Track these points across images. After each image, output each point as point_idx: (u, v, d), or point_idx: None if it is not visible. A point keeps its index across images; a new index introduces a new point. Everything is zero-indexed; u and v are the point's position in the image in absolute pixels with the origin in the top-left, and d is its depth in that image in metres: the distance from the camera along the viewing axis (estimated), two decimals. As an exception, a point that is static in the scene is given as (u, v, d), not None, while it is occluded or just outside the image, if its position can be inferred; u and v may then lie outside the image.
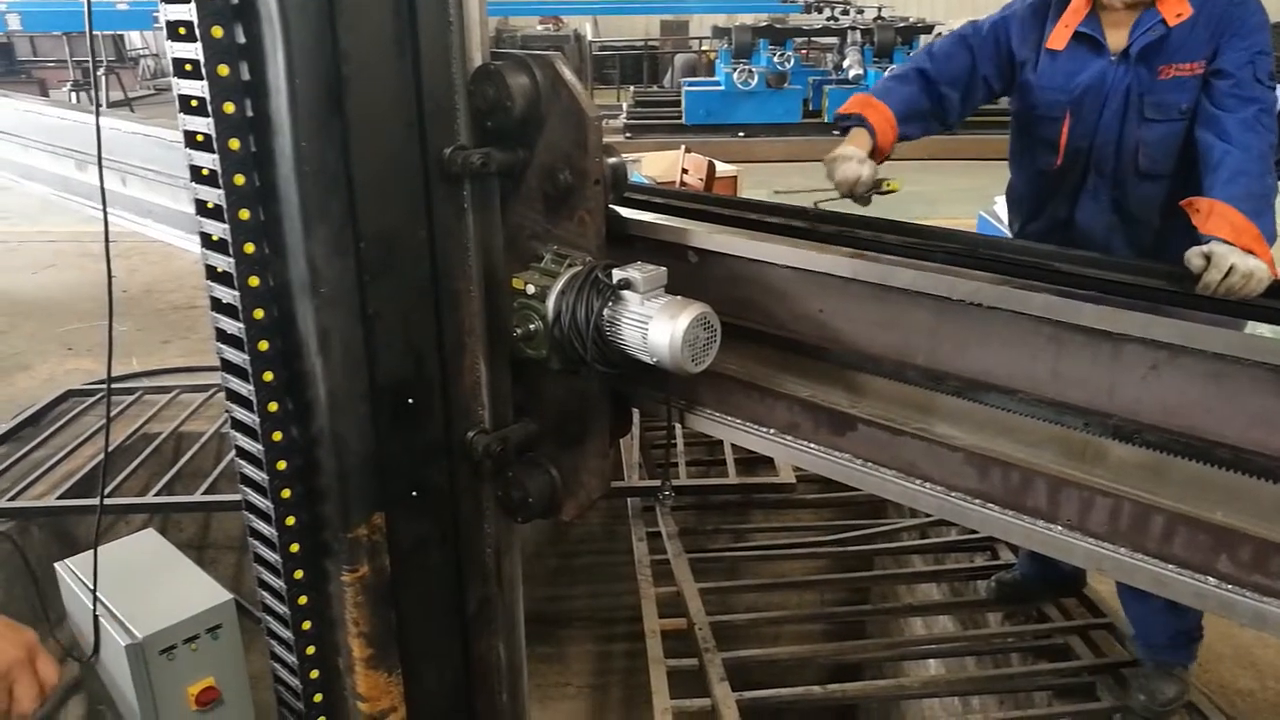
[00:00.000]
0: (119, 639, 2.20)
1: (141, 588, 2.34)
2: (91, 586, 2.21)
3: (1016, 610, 3.00)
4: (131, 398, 4.09)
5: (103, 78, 13.34)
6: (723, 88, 12.51)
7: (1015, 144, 2.67)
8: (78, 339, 5.02)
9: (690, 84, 13.55)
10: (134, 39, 17.49)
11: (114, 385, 4.12)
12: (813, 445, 1.68)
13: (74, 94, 13.32)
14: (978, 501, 1.49)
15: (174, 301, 5.57)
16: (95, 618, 2.23)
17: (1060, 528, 1.41)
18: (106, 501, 2.23)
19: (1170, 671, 2.68)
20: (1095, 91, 2.39)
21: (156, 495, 3.32)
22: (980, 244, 1.70)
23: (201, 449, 3.76)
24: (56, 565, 2.45)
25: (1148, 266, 1.65)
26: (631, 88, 15.66)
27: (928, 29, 13.26)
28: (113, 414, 3.86)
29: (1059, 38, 2.41)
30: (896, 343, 1.55)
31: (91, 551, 2.35)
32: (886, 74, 2.57)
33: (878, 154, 2.43)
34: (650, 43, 18.34)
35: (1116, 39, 2.37)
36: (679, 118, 12.61)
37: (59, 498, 3.25)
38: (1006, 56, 2.51)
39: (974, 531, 3.68)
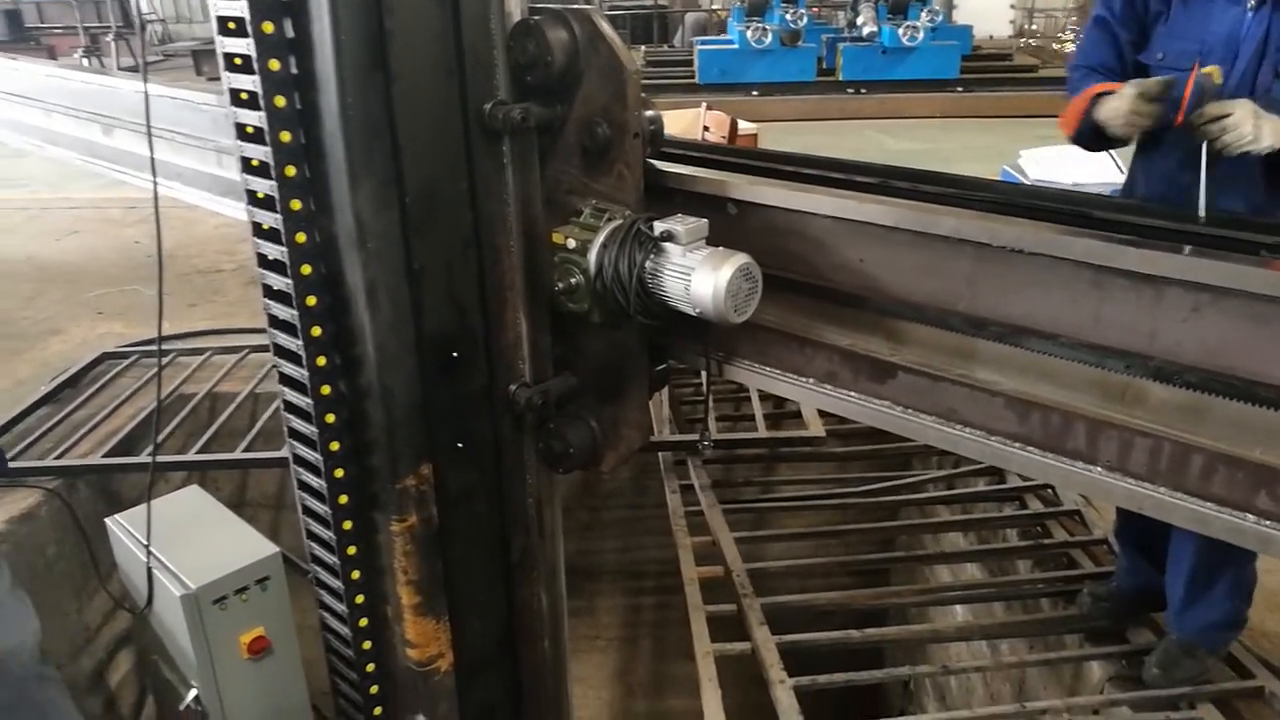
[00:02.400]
0: (173, 589, 2.27)
1: (192, 541, 2.41)
2: (144, 540, 2.28)
3: (1107, 631, 2.89)
4: (165, 360, 4.16)
5: (112, 43, 13.31)
6: (736, 46, 12.40)
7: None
8: (106, 303, 5.10)
9: (703, 43, 13.43)
10: (141, 3, 17.41)
11: (147, 348, 4.19)
12: (853, 393, 1.71)
13: (85, 60, 13.29)
14: (1018, 445, 1.52)
15: (198, 266, 5.62)
16: (149, 570, 2.30)
17: (1100, 469, 1.45)
18: (153, 460, 2.29)
19: (1193, 652, 2.67)
20: (1229, 42, 2.25)
21: (197, 454, 3.40)
22: (1018, 193, 1.72)
23: (238, 408, 3.85)
24: (107, 520, 2.52)
25: (1187, 214, 1.66)
26: (642, 48, 15.53)
27: (944, -16, 13.11)
28: (148, 376, 3.93)
29: None
30: (937, 290, 1.57)
31: (140, 507, 2.43)
32: (1067, 84, 2.43)
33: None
34: (660, 2, 18.13)
35: None
36: (692, 77, 12.51)
37: (104, 456, 3.33)
38: (1141, 12, 2.40)
39: (1001, 481, 3.77)
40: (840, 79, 12.44)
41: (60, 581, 3.14)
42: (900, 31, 11.99)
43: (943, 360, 1.58)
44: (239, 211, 3.23)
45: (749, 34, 12.16)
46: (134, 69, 12.74)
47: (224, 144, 3.01)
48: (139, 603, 2.44)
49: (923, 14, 12.21)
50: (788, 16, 12.34)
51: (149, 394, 3.77)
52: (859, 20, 12.47)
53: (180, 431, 3.62)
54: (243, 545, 2.41)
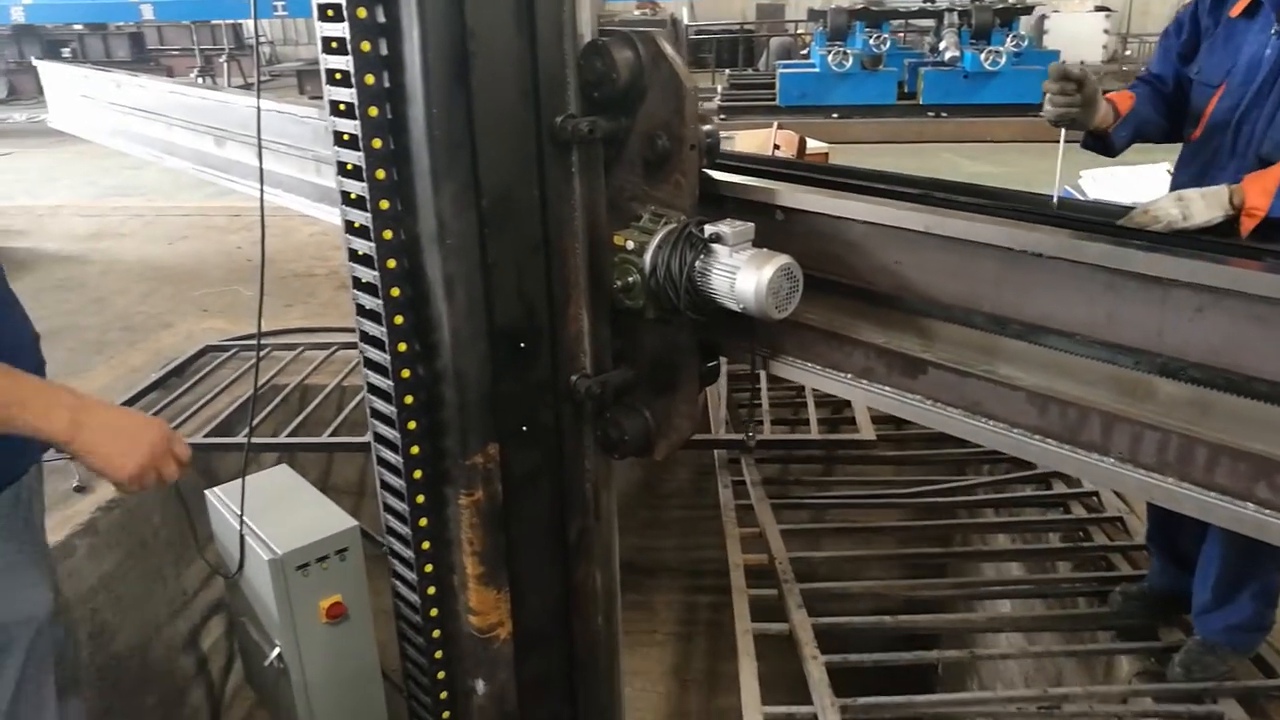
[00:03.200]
0: (263, 555, 2.49)
1: (280, 514, 2.63)
2: (239, 511, 2.50)
3: (1139, 630, 2.98)
4: (261, 354, 4.47)
5: (224, 64, 14.09)
6: (817, 69, 12.51)
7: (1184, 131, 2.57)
8: (210, 302, 5.49)
9: (785, 66, 13.57)
10: (250, 27, 18.33)
11: (245, 342, 4.52)
12: (887, 388, 1.83)
13: (200, 79, 14.11)
14: (1037, 437, 1.63)
15: (295, 270, 5.98)
16: (241, 537, 2.52)
17: (1113, 460, 1.54)
18: (248, 440, 2.52)
19: (1216, 651, 2.71)
20: (1251, 65, 2.31)
21: (288, 437, 3.67)
22: (1046, 204, 1.82)
23: (325, 399, 4.13)
24: (206, 492, 2.77)
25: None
26: (727, 71, 15.73)
27: (1027, 10, 12.99)
28: (245, 367, 4.24)
29: (1240, 5, 2.34)
30: (965, 291, 1.69)
31: (235, 481, 2.67)
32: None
33: (1116, 116, 2.41)
34: (746, 26, 18.33)
35: None
36: (773, 99, 12.66)
37: (204, 436, 3.63)
38: (1197, 29, 2.46)
39: (1048, 488, 3.83)
40: (921, 102, 12.44)
41: (163, 549, 3.42)
42: (983, 56, 11.95)
43: (969, 357, 1.70)
44: (332, 216, 3.49)
45: (830, 58, 12.26)
46: (245, 87, 13.45)
47: (322, 154, 3.26)
48: (231, 569, 2.66)
49: (1007, 39, 12.14)
50: (870, 41, 12.40)
51: (246, 383, 4.07)
52: (942, 45, 12.46)
53: (272, 419, 3.90)
54: (326, 519, 2.62)
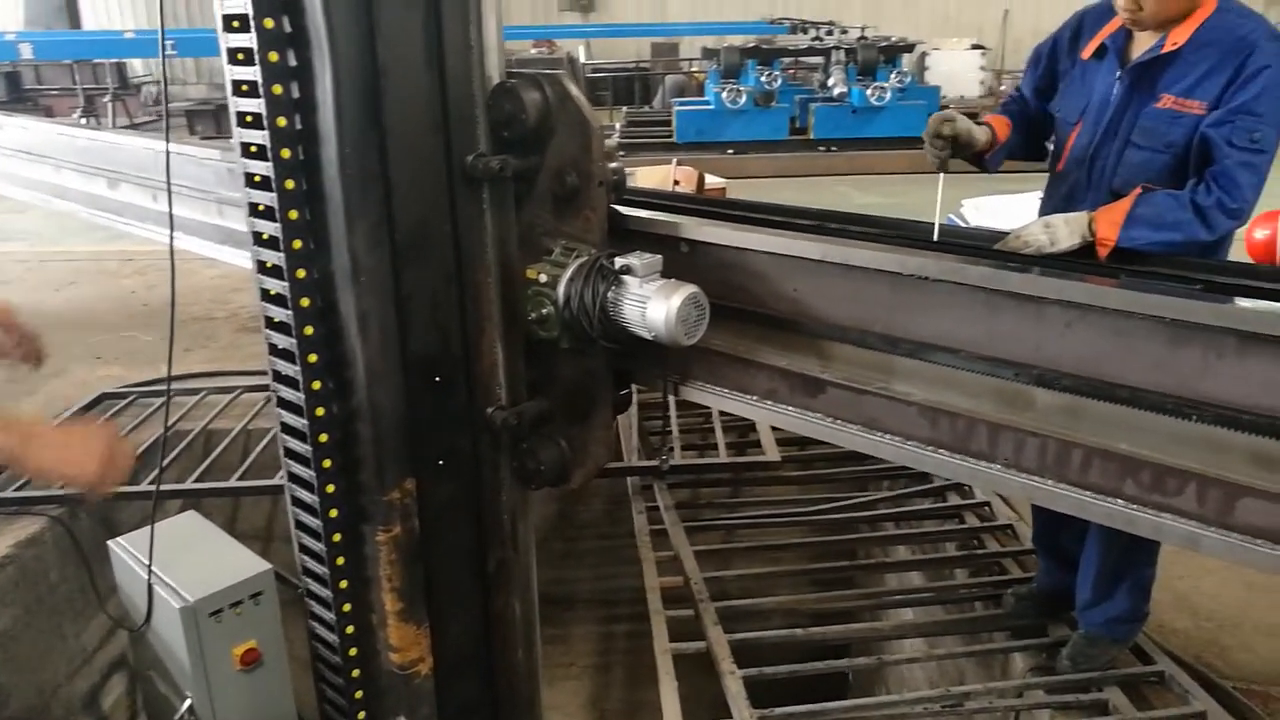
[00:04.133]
0: (173, 603, 2.43)
1: (190, 560, 2.58)
2: (146, 560, 2.45)
3: (1030, 628, 3.19)
4: (161, 400, 4.36)
5: (109, 104, 13.67)
6: (712, 107, 12.85)
7: (1050, 161, 2.75)
8: (104, 349, 5.31)
9: (681, 103, 13.88)
10: (135, 66, 17.83)
11: (144, 389, 4.40)
12: (790, 407, 1.93)
13: (83, 120, 13.63)
14: (930, 448, 1.74)
15: (194, 314, 5.84)
16: (150, 586, 2.46)
17: (999, 466, 1.67)
18: (157, 487, 2.48)
19: (1100, 643, 2.91)
20: (1101, 104, 2.45)
21: (194, 483, 3.59)
22: (930, 232, 1.96)
23: (231, 443, 4.05)
24: (110, 543, 2.69)
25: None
26: (624, 108, 15.98)
27: (909, 48, 13.62)
28: (145, 415, 4.12)
29: (1090, 48, 2.50)
30: (859, 314, 1.80)
31: (140, 530, 2.61)
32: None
33: (994, 142, 2.56)
34: (641, 64, 18.68)
35: (1131, 55, 2.42)
36: (670, 136, 12.93)
37: (105, 486, 3.53)
38: (1048, 69, 2.64)
39: (944, 500, 4.04)
40: (812, 137, 12.88)
41: (62, 605, 3.29)
42: (869, 92, 12.47)
43: (865, 375, 1.81)
44: (236, 258, 3.47)
45: (724, 95, 12.61)
46: (131, 128, 13.06)
47: (225, 195, 3.24)
48: (137, 621, 2.59)
49: (891, 75, 12.70)
50: (762, 78, 12.80)
51: (145, 430, 3.95)
52: (830, 81, 12.95)
53: (176, 465, 3.81)
54: (238, 563, 2.58)
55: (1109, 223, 2.14)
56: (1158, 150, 2.34)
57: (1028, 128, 2.68)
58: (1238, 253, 3.50)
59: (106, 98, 14.38)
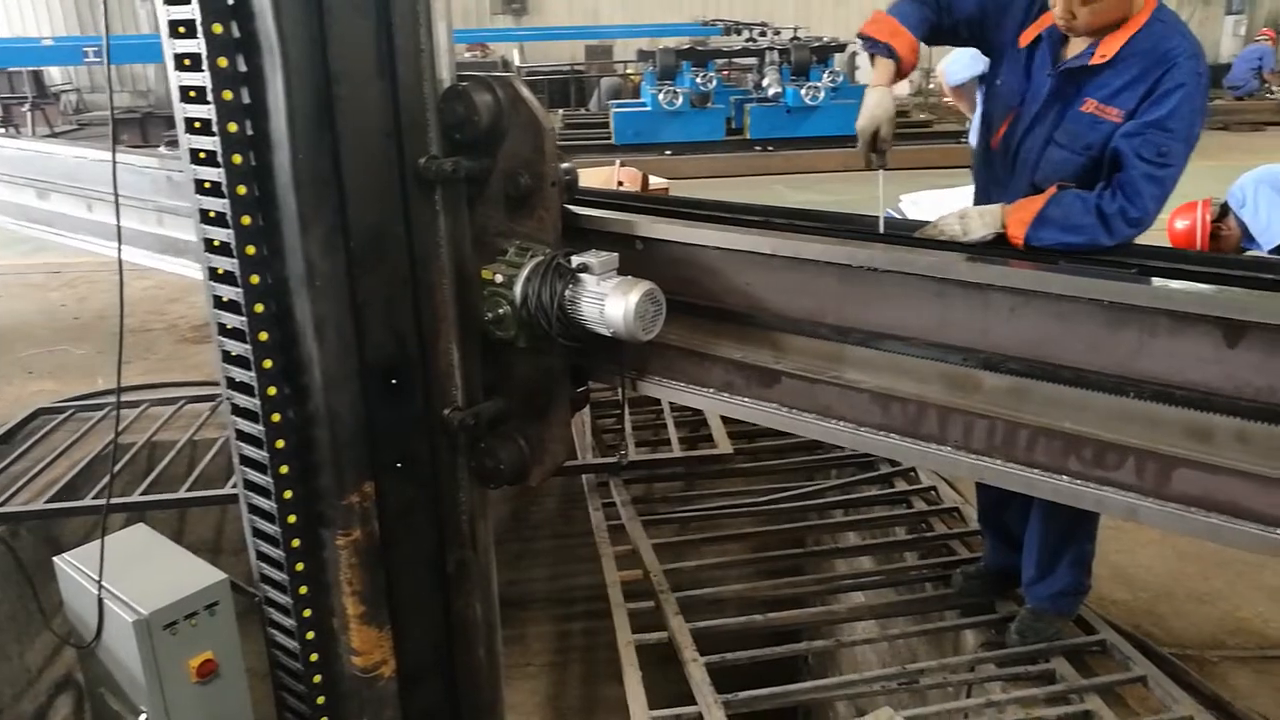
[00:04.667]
0: (125, 617, 2.38)
1: (141, 573, 2.52)
2: (94, 575, 2.39)
3: (979, 606, 3.29)
4: (102, 413, 4.27)
5: (27, 113, 13.24)
6: (649, 108, 12.92)
7: (981, 123, 2.76)
8: (36, 364, 5.18)
9: (618, 105, 13.94)
10: (54, 74, 17.30)
11: (80, 403, 4.29)
12: (746, 399, 1.98)
13: (1, 130, 13.19)
14: (882, 433, 1.80)
15: (129, 325, 5.69)
16: (100, 601, 2.41)
17: (949, 448, 1.73)
18: (105, 501, 2.42)
19: (1046, 617, 3.03)
20: (1034, 95, 2.53)
21: (141, 495, 3.52)
22: (875, 225, 2.03)
23: (177, 455, 3.98)
24: (56, 559, 2.61)
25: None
26: (560, 111, 15.97)
27: (840, 48, 13.84)
28: (86, 429, 4.03)
29: (1028, 35, 2.51)
30: (810, 305, 1.85)
31: (88, 545, 2.56)
32: None
33: (902, 73, 2.52)
34: (576, 67, 18.67)
35: (1064, 55, 2.46)
36: (608, 138, 12.97)
37: (46, 502, 3.44)
38: (980, 17, 2.58)
39: (891, 486, 4.15)
40: (748, 137, 13.02)
41: (4, 624, 3.20)
42: (803, 92, 12.65)
43: (818, 365, 1.86)
44: (177, 267, 3.40)
45: (660, 97, 12.69)
46: (52, 137, 12.68)
47: (164, 204, 3.18)
48: (86, 637, 2.54)
49: (824, 75, 12.90)
50: (697, 80, 12.90)
51: (85, 446, 3.86)
52: (764, 82, 13.11)
53: (120, 479, 3.73)
54: (191, 574, 2.53)
55: (1018, 221, 2.23)
56: (1076, 152, 2.43)
57: (931, 36, 2.60)
58: (1160, 242, 3.65)
59: (25, 107, 13.93)
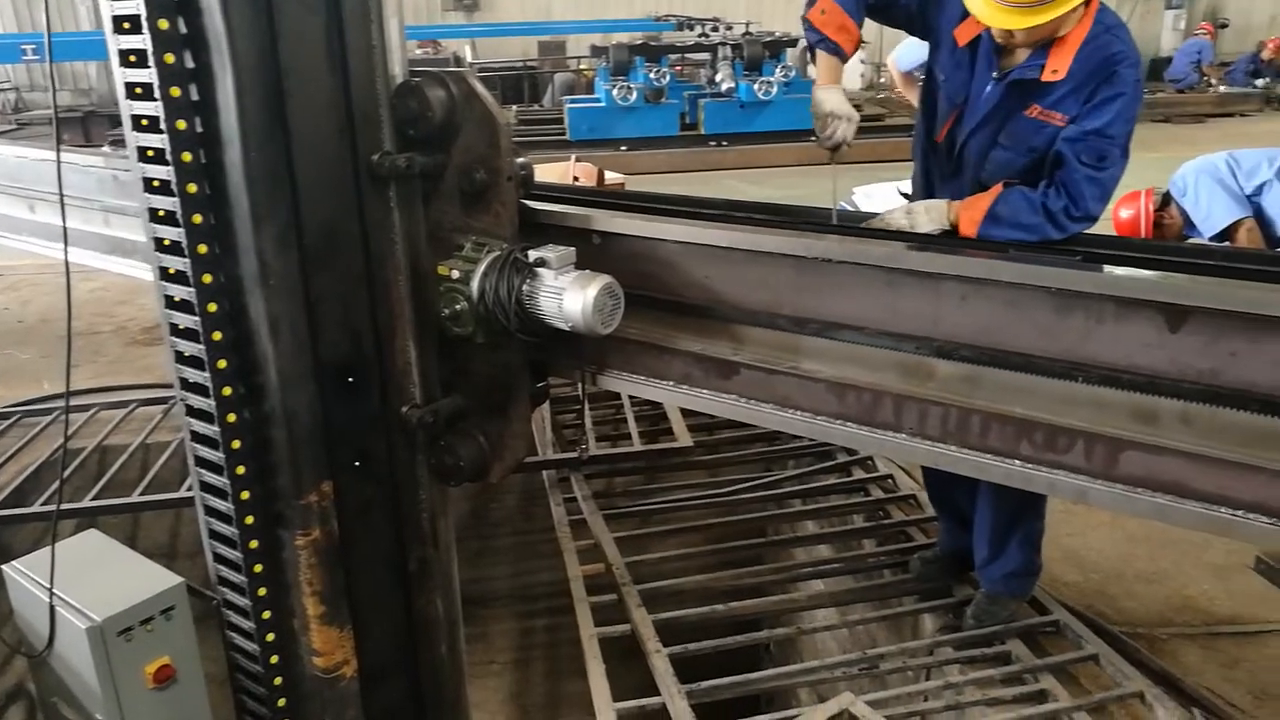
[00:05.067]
0: (78, 624, 2.34)
1: (94, 579, 2.47)
2: (45, 582, 2.34)
3: (936, 590, 3.35)
4: (50, 417, 4.18)
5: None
6: (603, 104, 12.90)
7: (921, 110, 2.82)
8: (-26, 368, 5.06)
9: (572, 101, 13.90)
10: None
11: (28, 407, 4.19)
12: (705, 391, 1.99)
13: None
14: (839, 422, 1.83)
15: (76, 328, 5.57)
16: (51, 609, 2.36)
17: (905, 435, 1.76)
18: (55, 507, 2.38)
19: (1000, 600, 3.10)
20: (976, 97, 2.59)
21: (93, 500, 3.46)
22: (829, 217, 2.05)
23: (129, 459, 3.91)
24: (4, 567, 2.56)
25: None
26: (514, 107, 15.90)
27: (792, 43, 13.91)
28: (33, 434, 3.94)
29: (965, 32, 2.54)
30: (767, 297, 1.87)
31: (37, 553, 2.50)
32: None
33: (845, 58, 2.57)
34: (529, 63, 18.59)
35: (1008, 61, 2.52)
36: (563, 134, 12.92)
37: (-7, 509, 3.37)
38: (919, 6, 2.63)
39: (849, 474, 4.19)
40: (703, 133, 13.06)
41: (-48, 637, 3.11)
42: (756, 87, 12.71)
43: (775, 356, 1.88)
44: (124, 268, 3.34)
45: (615, 92, 12.68)
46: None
47: (110, 204, 3.12)
48: (38, 646, 2.49)
49: (776, 70, 12.97)
50: (651, 75, 12.91)
51: (33, 451, 3.78)
52: (718, 77, 13.15)
53: (70, 484, 3.65)
54: (147, 578, 2.48)
55: (969, 220, 2.31)
56: (1020, 154, 2.50)
57: (869, 14, 2.65)
58: (1106, 231, 3.73)
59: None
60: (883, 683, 3.06)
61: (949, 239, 2.20)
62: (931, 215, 2.31)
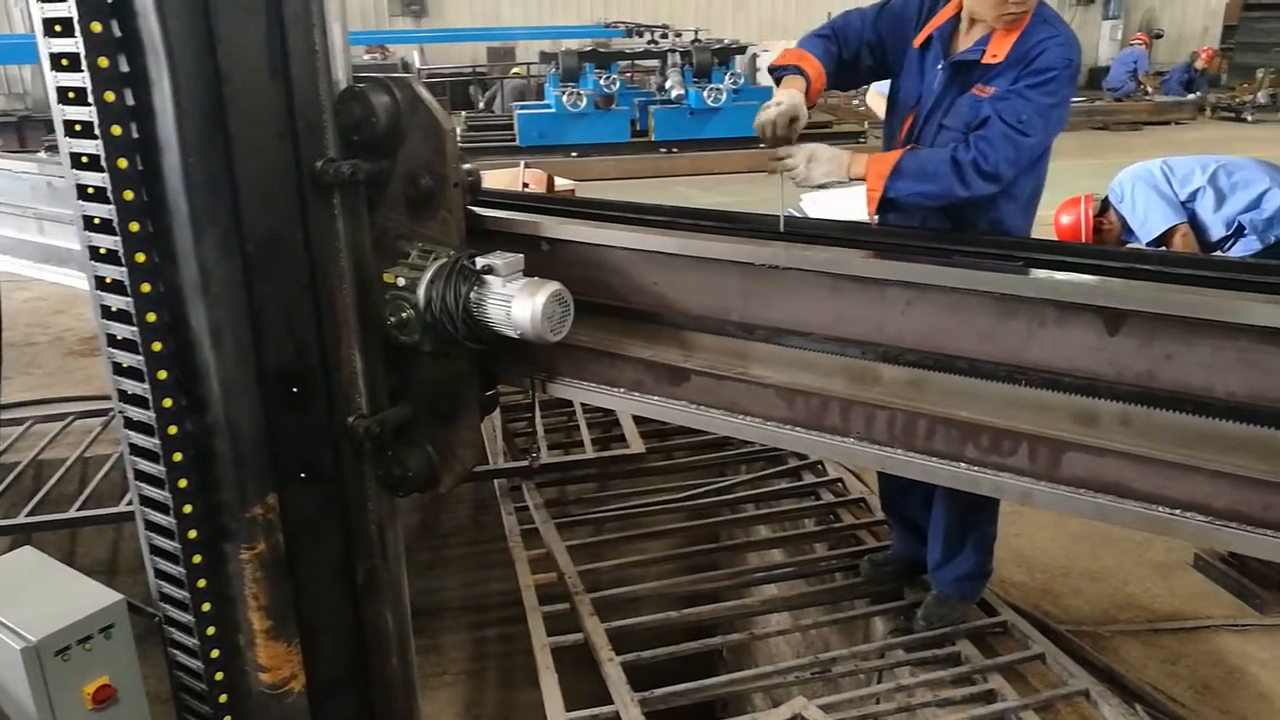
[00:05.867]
0: (12, 644, 2.26)
1: (29, 598, 2.40)
2: (-22, 602, 2.27)
3: (887, 593, 3.38)
4: (-21, 433, 4.07)
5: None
6: (554, 110, 12.88)
7: (885, 126, 2.92)
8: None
9: (522, 107, 13.85)
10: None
11: (-41, 423, 4.06)
12: (656, 397, 1.99)
13: None
14: (788, 427, 1.84)
15: (11, 339, 5.42)
16: (-15, 630, 2.29)
17: (852, 439, 1.78)
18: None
19: (951, 602, 3.14)
20: (927, 92, 2.67)
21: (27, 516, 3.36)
22: (775, 224, 2.07)
23: (66, 474, 3.81)
24: (-66, 588, 2.48)
25: (908, 230, 2.05)
26: (463, 113, 15.81)
27: (741, 50, 14.03)
28: (-35, 449, 3.82)
29: (920, 38, 2.66)
30: (716, 304, 1.88)
31: (-31, 573, 2.42)
32: (808, 34, 2.76)
33: (811, 96, 2.59)
34: (478, 69, 18.49)
35: (953, 49, 2.61)
36: (512, 140, 12.87)
37: (-80, 529, 3.25)
38: (878, 40, 2.72)
39: (800, 479, 4.23)
40: (653, 139, 13.10)
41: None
42: (705, 94, 12.77)
43: (724, 362, 1.89)
44: (60, 276, 3.27)
45: (564, 99, 12.66)
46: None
47: (44, 211, 3.05)
48: (-29, 668, 2.41)
49: (726, 77, 13.05)
50: (601, 82, 12.91)
51: (-34, 467, 3.67)
52: (667, 84, 13.19)
53: (2, 501, 3.55)
54: (85, 596, 2.41)
55: (876, 174, 2.35)
56: (960, 131, 2.55)
57: (838, 70, 2.73)
58: (1047, 236, 3.81)
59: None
60: (836, 686, 3.08)
61: (915, 241, 2.17)
62: (830, 167, 2.33)
